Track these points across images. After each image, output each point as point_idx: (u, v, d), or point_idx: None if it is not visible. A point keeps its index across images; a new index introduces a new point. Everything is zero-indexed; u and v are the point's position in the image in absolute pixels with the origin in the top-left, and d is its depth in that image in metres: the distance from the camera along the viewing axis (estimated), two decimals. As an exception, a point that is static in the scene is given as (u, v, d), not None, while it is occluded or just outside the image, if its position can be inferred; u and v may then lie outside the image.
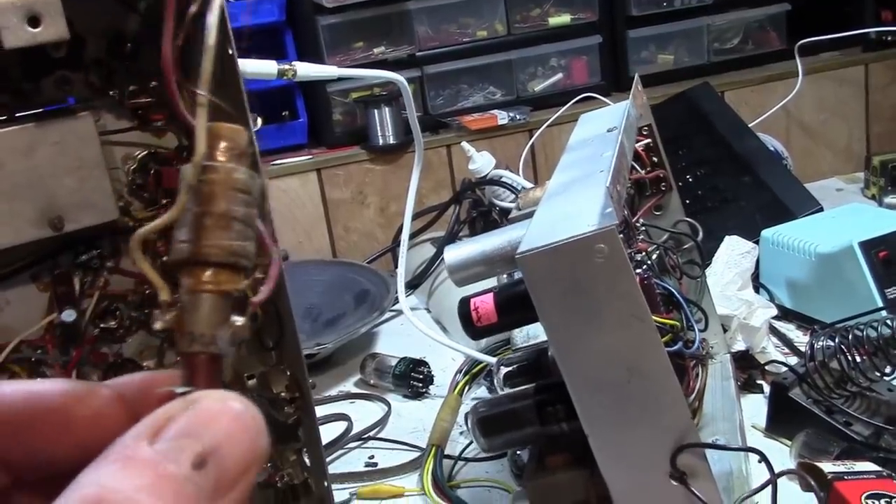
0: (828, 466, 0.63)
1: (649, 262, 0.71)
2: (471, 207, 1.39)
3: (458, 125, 1.61)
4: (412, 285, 1.32)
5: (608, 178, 0.56)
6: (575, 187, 0.59)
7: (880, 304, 0.94)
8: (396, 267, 1.12)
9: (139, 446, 0.24)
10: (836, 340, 0.81)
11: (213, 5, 0.28)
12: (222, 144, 0.28)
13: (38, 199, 0.50)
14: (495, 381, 0.67)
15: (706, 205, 1.29)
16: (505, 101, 1.68)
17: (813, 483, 0.60)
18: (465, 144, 1.36)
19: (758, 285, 1.11)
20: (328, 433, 0.93)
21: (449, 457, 0.85)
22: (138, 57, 0.52)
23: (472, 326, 0.62)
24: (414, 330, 1.02)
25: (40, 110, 0.51)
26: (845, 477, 0.61)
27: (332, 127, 1.61)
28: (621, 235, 0.49)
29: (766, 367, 0.92)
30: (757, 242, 1.06)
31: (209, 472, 0.24)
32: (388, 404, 1.01)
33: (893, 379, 0.81)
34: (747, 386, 0.92)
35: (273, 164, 1.52)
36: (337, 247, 1.61)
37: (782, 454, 0.78)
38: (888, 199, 1.44)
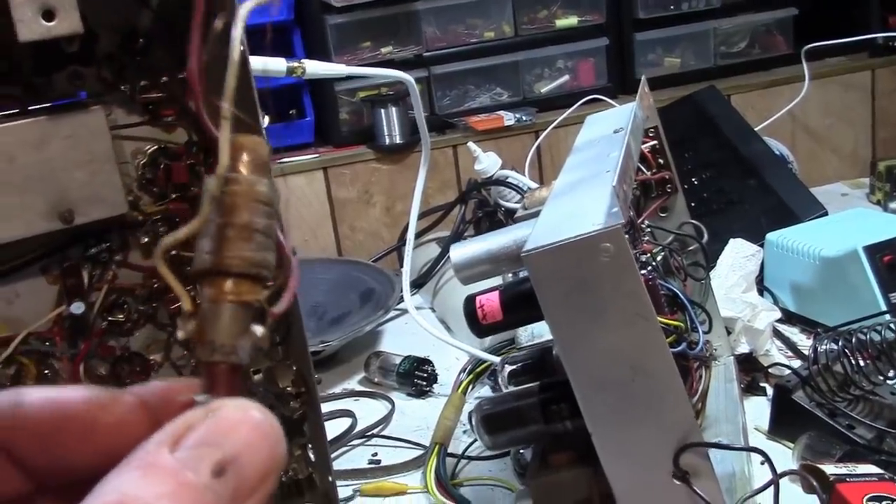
0: (830, 468, 0.63)
1: (654, 263, 0.71)
2: (476, 207, 1.39)
3: (465, 126, 1.61)
4: (417, 284, 1.32)
5: (614, 178, 0.56)
6: (581, 187, 0.60)
7: (884, 308, 0.94)
8: (402, 266, 1.13)
9: (160, 454, 0.24)
10: (840, 344, 0.81)
11: (237, 19, 0.29)
12: (245, 157, 0.29)
13: (48, 193, 0.51)
14: (500, 379, 0.68)
15: (711, 207, 1.29)
16: (511, 103, 1.68)
17: (815, 484, 0.60)
18: (471, 145, 1.36)
19: (762, 288, 1.11)
20: (332, 430, 0.93)
21: (452, 455, 0.86)
22: (150, 52, 0.52)
23: (477, 324, 0.62)
24: (418, 329, 1.02)
25: (52, 104, 0.51)
26: (847, 479, 0.61)
27: (339, 126, 1.61)
28: (627, 236, 0.49)
29: (770, 370, 0.92)
30: (762, 245, 1.06)
31: (228, 480, 0.24)
32: (392, 402, 1.01)
33: (896, 383, 0.81)
34: (750, 388, 0.92)
35: (280, 163, 1.52)
36: (342, 245, 1.61)
37: (785, 457, 0.78)
38: (893, 205, 1.44)
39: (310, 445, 0.57)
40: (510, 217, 1.28)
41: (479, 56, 1.66)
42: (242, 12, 0.29)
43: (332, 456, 0.89)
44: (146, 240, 0.55)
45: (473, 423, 0.64)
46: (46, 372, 0.55)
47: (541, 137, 1.62)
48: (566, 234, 0.49)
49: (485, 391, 1.00)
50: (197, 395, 0.27)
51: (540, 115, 1.65)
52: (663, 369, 0.50)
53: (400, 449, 0.92)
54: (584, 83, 1.72)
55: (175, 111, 0.54)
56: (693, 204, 1.03)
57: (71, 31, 0.45)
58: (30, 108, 0.51)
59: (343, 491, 0.84)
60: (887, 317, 0.92)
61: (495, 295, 0.62)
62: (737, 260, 0.98)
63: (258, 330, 0.28)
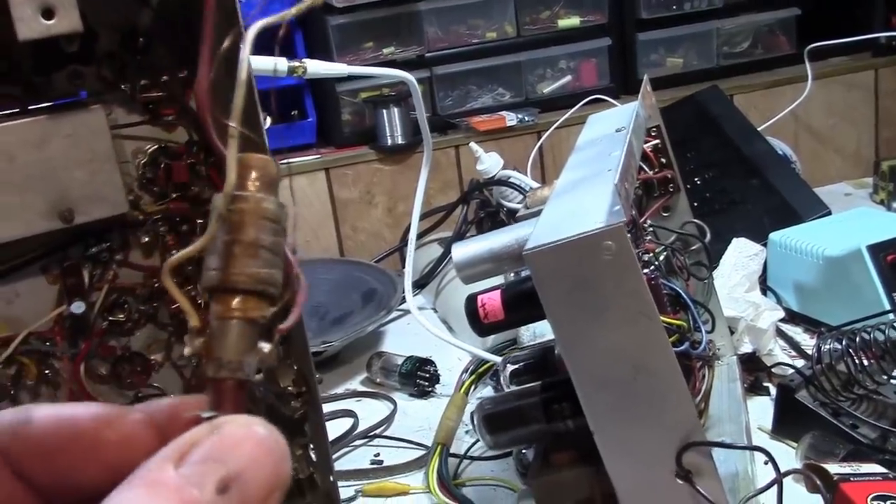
0: (834, 467, 0.63)
1: (657, 262, 0.71)
2: (478, 208, 1.39)
3: (467, 126, 1.61)
4: (419, 285, 1.32)
5: (616, 177, 0.56)
6: (583, 186, 0.59)
7: (888, 307, 0.94)
8: (404, 266, 1.13)
9: (164, 470, 0.24)
10: (844, 343, 0.81)
11: (246, 39, 0.29)
12: (253, 174, 0.29)
13: (49, 192, 0.50)
14: (501, 378, 0.67)
15: (714, 207, 1.29)
16: (513, 103, 1.68)
17: (819, 484, 0.60)
18: (473, 145, 1.36)
19: (765, 288, 1.11)
20: (335, 430, 0.93)
21: (454, 455, 0.86)
22: (150, 51, 0.52)
23: (478, 323, 0.62)
24: (421, 329, 1.02)
25: (52, 103, 0.51)
26: (851, 478, 0.61)
27: (341, 127, 1.61)
28: (629, 235, 0.49)
29: (773, 370, 0.92)
30: (765, 245, 1.06)
31: (232, 496, 0.24)
32: (395, 403, 1.01)
33: (901, 382, 0.81)
34: (754, 388, 0.91)
35: (281, 164, 1.52)
36: (344, 246, 1.61)
37: (788, 456, 0.78)
38: (897, 205, 1.43)
39: (311, 445, 0.56)
40: (512, 217, 1.28)
41: (481, 56, 1.66)
42: (251, 34, 0.29)
43: (335, 456, 0.89)
44: (147, 239, 0.55)
45: (475, 422, 0.64)
46: (47, 372, 0.55)
47: (543, 138, 1.61)
48: (568, 233, 0.49)
49: (487, 391, 0.99)
50: (203, 411, 0.27)
51: (542, 116, 1.65)
52: (665, 368, 0.50)
53: (402, 449, 0.92)
54: (587, 83, 1.71)
55: (175, 110, 0.54)
56: (696, 204, 1.03)
57: (70, 30, 0.45)
58: (30, 107, 0.51)
59: (345, 491, 0.84)
60: (891, 316, 0.91)
61: (497, 294, 0.62)
62: (740, 259, 0.98)
63: (265, 347, 0.29)
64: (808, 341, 1.02)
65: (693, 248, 0.87)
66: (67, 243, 0.54)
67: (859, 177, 1.68)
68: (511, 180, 1.33)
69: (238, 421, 0.26)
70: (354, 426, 0.96)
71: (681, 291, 0.69)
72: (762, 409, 0.87)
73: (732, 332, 0.91)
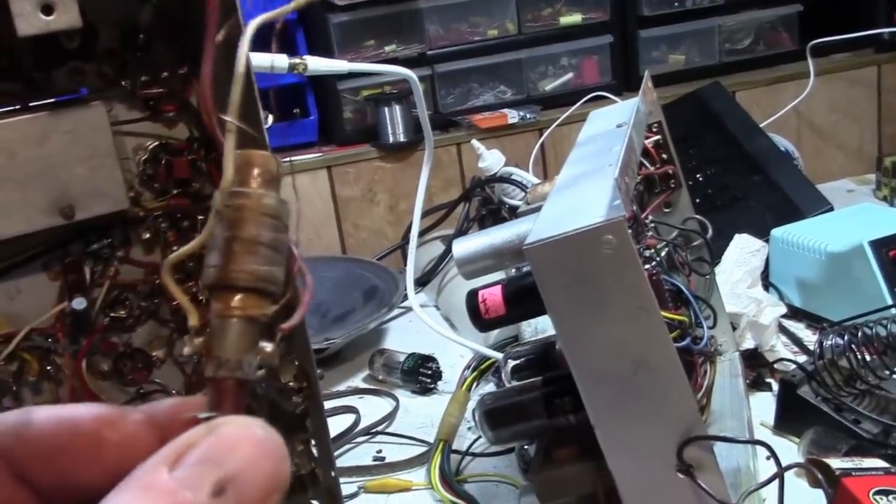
0: (836, 462, 0.63)
1: (658, 258, 0.71)
2: (480, 205, 1.38)
3: (469, 123, 1.61)
4: (421, 282, 1.32)
5: (616, 171, 0.56)
6: (583, 181, 0.59)
7: (890, 303, 0.94)
8: (405, 264, 1.13)
9: (158, 473, 0.24)
10: (846, 339, 0.81)
11: (244, 33, 0.29)
12: (255, 171, 0.28)
13: (49, 188, 0.51)
14: (503, 374, 0.67)
15: (716, 203, 1.28)
16: (515, 100, 1.68)
17: (821, 478, 0.60)
18: (475, 142, 1.36)
19: (767, 284, 1.11)
20: (337, 427, 0.93)
21: (457, 452, 0.86)
22: (151, 48, 0.52)
23: (480, 319, 0.62)
24: (423, 326, 1.02)
25: (53, 100, 0.51)
26: (853, 473, 0.61)
27: (343, 125, 1.61)
28: (630, 230, 0.49)
29: (775, 365, 0.92)
30: (767, 241, 1.06)
31: (229, 498, 0.24)
32: (397, 399, 1.01)
33: (903, 377, 0.81)
34: (756, 384, 0.91)
35: (283, 162, 1.52)
36: (346, 243, 1.61)
37: (790, 451, 0.78)
38: (899, 201, 1.43)
39: (312, 441, 0.56)
40: (514, 214, 1.28)
41: (482, 54, 1.66)
42: (250, 28, 0.29)
43: (337, 453, 0.89)
44: (148, 236, 0.55)
45: (476, 418, 0.64)
46: (49, 368, 0.55)
47: (545, 135, 1.61)
48: (568, 227, 0.49)
49: (489, 388, 0.99)
50: (200, 412, 0.27)
51: (544, 113, 1.65)
52: (666, 363, 0.49)
53: (404, 446, 0.92)
54: (589, 80, 1.71)
55: (176, 107, 0.54)
56: (698, 200, 1.02)
57: (70, 26, 0.45)
58: (31, 103, 0.51)
59: (347, 487, 0.84)
60: (893, 311, 0.91)
61: (498, 289, 0.62)
62: (742, 255, 0.98)
63: (267, 346, 0.28)
64: (810, 337, 1.02)
65: (695, 244, 0.87)
66: (68, 240, 0.54)
67: (862, 173, 1.67)
68: (513, 177, 1.33)
69: (236, 422, 0.26)
70: (357, 423, 0.96)
71: (682, 287, 0.69)
72: (764, 405, 0.87)
73: (734, 328, 0.91)
